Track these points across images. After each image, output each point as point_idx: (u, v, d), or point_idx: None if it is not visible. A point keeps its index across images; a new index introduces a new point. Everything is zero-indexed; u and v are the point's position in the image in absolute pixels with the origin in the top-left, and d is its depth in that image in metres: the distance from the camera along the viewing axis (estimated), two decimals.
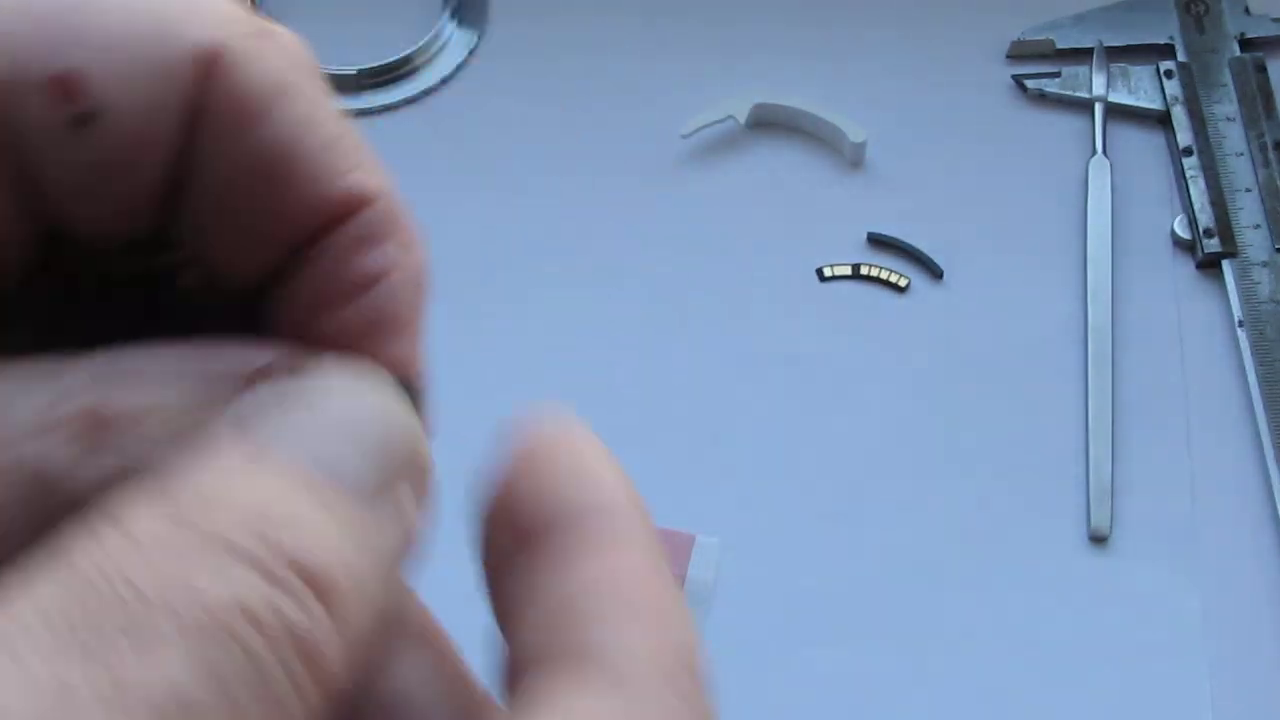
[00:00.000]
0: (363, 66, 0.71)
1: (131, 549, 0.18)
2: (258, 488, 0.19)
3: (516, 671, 0.21)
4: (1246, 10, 0.72)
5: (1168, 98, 0.70)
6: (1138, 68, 0.71)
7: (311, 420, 0.20)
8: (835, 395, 0.64)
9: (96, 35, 0.20)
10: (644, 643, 0.20)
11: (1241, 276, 0.66)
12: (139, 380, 0.20)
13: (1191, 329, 0.65)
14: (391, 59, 0.72)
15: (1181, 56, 0.71)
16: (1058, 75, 0.71)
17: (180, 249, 0.23)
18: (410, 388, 0.22)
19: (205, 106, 0.21)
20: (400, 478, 0.21)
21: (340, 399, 0.21)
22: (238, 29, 0.21)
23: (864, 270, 0.67)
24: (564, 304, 0.66)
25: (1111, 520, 0.61)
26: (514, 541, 0.22)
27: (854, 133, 0.68)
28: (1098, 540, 0.61)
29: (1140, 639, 0.59)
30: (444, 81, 0.72)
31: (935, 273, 0.67)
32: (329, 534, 0.19)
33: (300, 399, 0.21)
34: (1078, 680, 0.58)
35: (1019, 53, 0.72)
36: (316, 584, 0.18)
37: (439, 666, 0.23)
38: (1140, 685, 0.58)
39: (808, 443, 0.63)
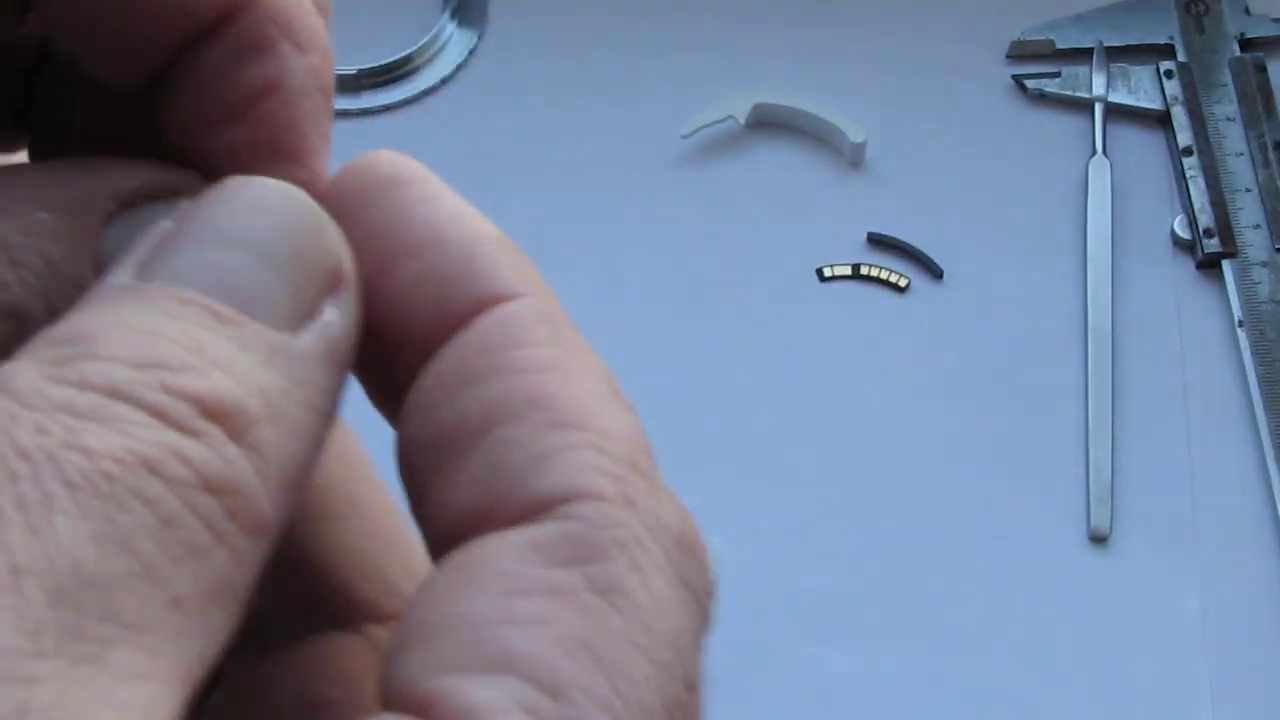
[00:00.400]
0: (363, 66, 0.71)
1: (12, 410, 0.16)
2: (150, 325, 0.17)
3: (446, 536, 0.18)
4: (1246, 10, 0.72)
5: (1168, 98, 0.70)
6: (1138, 68, 0.71)
7: (209, 239, 0.18)
8: (835, 395, 0.64)
9: None
10: (588, 475, 0.18)
11: (1241, 276, 0.66)
12: None
13: (1191, 329, 0.65)
14: (391, 59, 0.72)
15: (1181, 56, 0.71)
16: (1058, 75, 0.71)
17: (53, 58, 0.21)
18: None
19: None
20: (322, 295, 0.18)
21: (240, 211, 0.18)
22: None
23: (864, 270, 0.67)
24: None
25: (1111, 520, 0.61)
26: (394, 344, 0.19)
27: (854, 133, 0.68)
28: (1098, 540, 0.61)
29: (1140, 639, 0.59)
30: (444, 81, 0.72)
31: (935, 273, 0.67)
32: (239, 366, 0.17)
33: (193, 216, 0.18)
34: (1078, 680, 0.58)
35: (1019, 53, 0.72)
36: (228, 422, 0.16)
37: (366, 527, 0.21)
38: (1140, 685, 0.58)
39: (808, 443, 0.63)
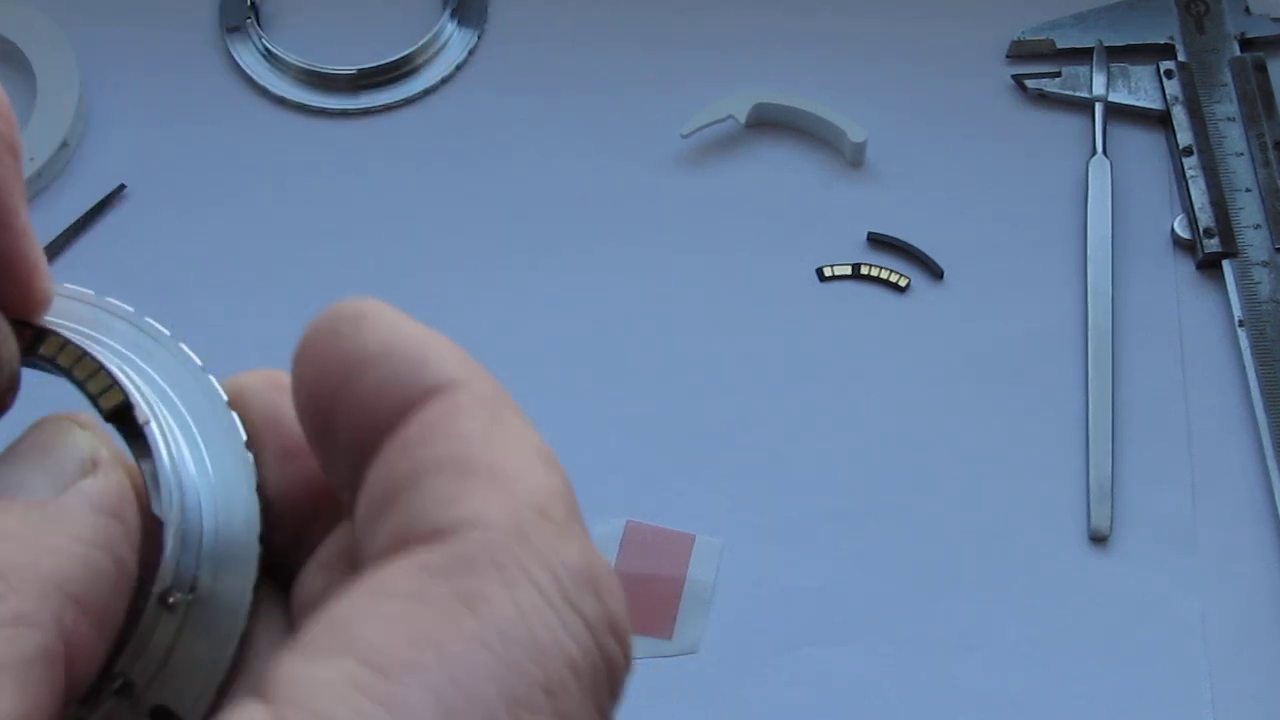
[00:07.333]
0: (363, 66, 0.71)
1: None
2: None
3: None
4: (1246, 10, 0.72)
5: (1168, 98, 0.70)
6: (1138, 67, 0.71)
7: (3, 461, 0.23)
8: (835, 395, 0.64)
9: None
10: (485, 508, 0.20)
11: (1241, 276, 0.65)
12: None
13: (1191, 329, 0.65)
14: (391, 59, 0.72)
15: (1182, 56, 0.71)
16: (1058, 75, 0.71)
17: None
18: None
19: None
20: (76, 477, 0.23)
21: (23, 440, 0.23)
22: None
23: (864, 270, 0.67)
24: (564, 304, 0.66)
25: (1111, 520, 0.61)
26: (358, 446, 0.22)
27: (854, 132, 0.68)
28: (1098, 540, 0.61)
29: (1140, 639, 0.59)
30: (444, 81, 0.72)
31: (935, 273, 0.67)
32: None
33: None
34: (1078, 680, 0.58)
35: (1019, 52, 0.72)
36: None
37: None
38: (1140, 685, 0.58)
39: (808, 443, 0.63)
